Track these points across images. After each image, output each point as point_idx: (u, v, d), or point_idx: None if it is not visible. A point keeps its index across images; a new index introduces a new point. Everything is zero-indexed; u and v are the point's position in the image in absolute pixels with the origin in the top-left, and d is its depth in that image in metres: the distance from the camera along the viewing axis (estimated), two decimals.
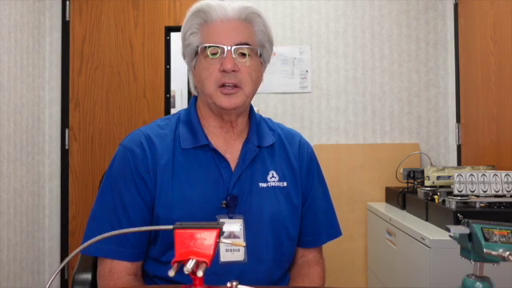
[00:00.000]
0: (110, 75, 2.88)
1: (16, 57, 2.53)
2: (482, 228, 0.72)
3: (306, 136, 1.22)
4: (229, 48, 1.00)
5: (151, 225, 1.01)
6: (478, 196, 1.68)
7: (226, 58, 0.99)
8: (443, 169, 2.02)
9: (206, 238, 0.64)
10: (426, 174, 2.03)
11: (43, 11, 2.84)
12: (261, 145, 1.09)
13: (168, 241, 0.99)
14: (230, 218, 1.01)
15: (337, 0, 2.80)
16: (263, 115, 1.19)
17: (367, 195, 2.68)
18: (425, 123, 2.77)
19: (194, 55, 1.05)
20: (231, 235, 1.00)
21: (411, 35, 2.77)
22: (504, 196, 1.67)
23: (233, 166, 1.05)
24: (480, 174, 1.69)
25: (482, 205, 1.65)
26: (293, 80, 2.79)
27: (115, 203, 1.01)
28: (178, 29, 2.81)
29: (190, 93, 2.85)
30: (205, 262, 0.62)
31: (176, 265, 0.62)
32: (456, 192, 1.69)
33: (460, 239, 0.76)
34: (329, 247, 1.20)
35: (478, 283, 0.72)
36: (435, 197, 1.83)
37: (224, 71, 0.99)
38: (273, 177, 1.08)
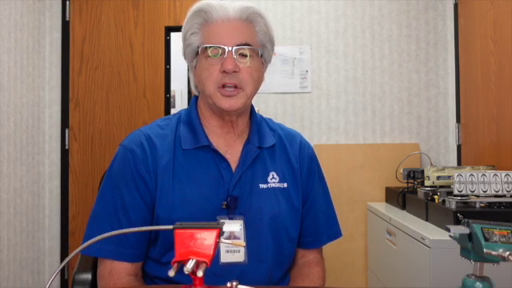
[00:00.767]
0: (110, 75, 2.88)
1: (16, 57, 2.53)
2: (482, 228, 0.72)
3: (306, 136, 1.22)
4: (230, 48, 0.99)
5: (151, 225, 1.01)
6: (478, 196, 1.68)
7: (227, 59, 0.99)
8: (443, 169, 2.02)
9: (206, 238, 0.64)
10: (426, 174, 2.03)
11: (43, 11, 2.84)
12: (261, 145, 1.09)
13: (168, 241, 0.99)
14: (231, 218, 1.01)
15: (337, 0, 2.80)
16: (263, 115, 1.19)
17: (367, 195, 2.68)
18: (425, 123, 2.77)
19: (195, 55, 1.05)
20: (231, 236, 1.00)
21: (411, 35, 2.77)
22: (504, 196, 1.67)
23: (233, 166, 1.05)
24: (480, 174, 1.69)
25: (482, 205, 1.64)
26: (293, 80, 2.79)
27: (115, 203, 1.01)
28: (177, 29, 2.83)
29: (190, 93, 2.85)
30: (205, 262, 0.62)
31: (176, 265, 0.62)
32: (456, 192, 1.69)
33: (460, 239, 0.76)
34: (329, 247, 1.20)
35: (477, 283, 0.72)
36: (435, 197, 1.83)
37: (225, 72, 0.99)
38: (273, 178, 1.08)
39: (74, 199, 2.88)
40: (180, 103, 3.01)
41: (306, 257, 1.15)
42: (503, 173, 1.69)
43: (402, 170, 2.35)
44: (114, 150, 1.08)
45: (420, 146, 2.74)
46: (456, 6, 2.63)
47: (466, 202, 1.66)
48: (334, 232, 1.18)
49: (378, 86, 2.78)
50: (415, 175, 2.25)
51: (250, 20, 1.04)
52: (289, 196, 1.09)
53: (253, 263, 1.01)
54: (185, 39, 1.06)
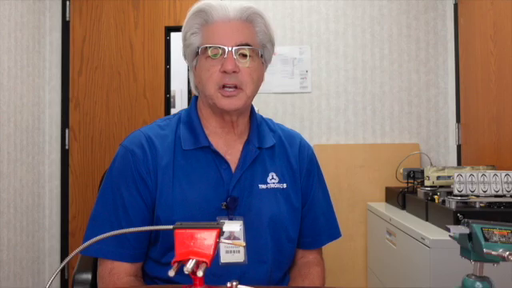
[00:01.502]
0: (110, 75, 2.88)
1: (16, 57, 2.53)
2: (481, 228, 0.72)
3: (306, 136, 1.22)
4: (229, 49, 0.99)
5: (151, 226, 1.01)
6: (477, 196, 1.68)
7: (227, 59, 0.99)
8: (443, 169, 2.02)
9: (206, 238, 0.64)
10: (425, 174, 2.02)
11: (43, 11, 2.84)
12: (261, 146, 1.09)
13: (168, 242, 0.99)
14: (230, 219, 1.01)
15: (337, 0, 2.80)
16: (263, 115, 1.19)
17: (367, 195, 2.68)
18: (425, 123, 2.77)
19: (195, 55, 1.05)
20: (231, 236, 1.00)
21: (411, 35, 2.77)
22: (504, 196, 1.67)
23: (233, 167, 1.05)
24: (480, 174, 1.69)
25: (481, 205, 1.64)
26: (293, 80, 2.79)
27: (115, 204, 1.01)
28: (177, 29, 2.82)
29: (190, 93, 2.85)
30: (205, 262, 0.62)
31: (176, 265, 0.63)
32: (456, 192, 1.69)
33: (460, 239, 0.76)
34: (329, 247, 1.20)
35: (477, 283, 0.72)
36: (435, 197, 1.83)
37: (225, 72, 0.99)
38: (272, 178, 1.08)
39: (73, 199, 2.88)
40: (180, 103, 3.01)
41: (306, 257, 1.16)
42: (503, 173, 1.69)
43: (401, 170, 2.35)
44: (114, 150, 1.08)
45: (420, 146, 2.74)
46: (456, 6, 2.63)
47: (465, 202, 1.66)
48: (333, 232, 1.18)
49: (377, 85, 2.78)
50: (415, 175, 2.25)
51: (250, 20, 1.04)
52: (288, 196, 1.09)
53: (253, 263, 1.02)
54: (185, 39, 1.06)
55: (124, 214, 1.01)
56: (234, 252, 1.00)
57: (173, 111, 2.88)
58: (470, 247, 0.73)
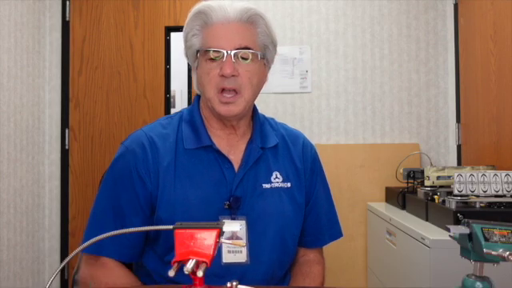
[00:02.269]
0: (110, 75, 2.88)
1: (16, 57, 2.53)
2: (481, 228, 0.72)
3: (306, 136, 1.22)
4: (228, 52, 0.98)
5: (148, 225, 1.01)
6: (478, 196, 1.68)
7: (225, 63, 0.98)
8: (443, 169, 2.02)
9: (206, 237, 0.64)
10: (425, 174, 2.02)
11: (43, 11, 2.84)
12: (264, 146, 1.08)
13: (170, 242, 0.99)
14: (233, 219, 1.01)
15: (337, 0, 2.80)
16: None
17: (367, 195, 2.68)
18: (425, 123, 2.76)
19: (196, 57, 1.04)
20: (233, 236, 1.00)
21: (411, 35, 2.77)
22: (504, 196, 1.67)
23: (236, 166, 1.05)
24: (480, 174, 1.69)
25: (482, 205, 1.64)
26: (293, 80, 2.79)
27: (113, 203, 1.02)
28: (177, 29, 2.84)
29: (189, 93, 2.85)
30: (205, 262, 0.62)
31: (176, 265, 0.62)
32: (456, 192, 1.69)
33: (460, 239, 0.76)
34: (329, 247, 1.20)
35: (477, 283, 0.72)
36: (435, 197, 1.83)
37: (223, 76, 0.99)
38: (276, 178, 1.08)
39: (73, 199, 2.88)
40: (180, 103, 3.01)
41: (307, 255, 1.16)
42: (503, 173, 1.69)
43: (401, 170, 2.35)
44: (114, 150, 1.08)
45: (420, 146, 2.74)
46: (456, 6, 2.63)
47: (466, 202, 1.66)
48: (335, 232, 1.19)
49: (377, 85, 2.78)
50: (415, 175, 2.25)
51: (251, 22, 1.03)
52: (292, 196, 1.08)
53: (255, 263, 1.01)
54: (186, 40, 1.06)
55: (121, 213, 1.01)
56: (235, 252, 1.00)
57: (173, 111, 2.87)
58: (470, 247, 0.73)
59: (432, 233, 1.62)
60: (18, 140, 2.54)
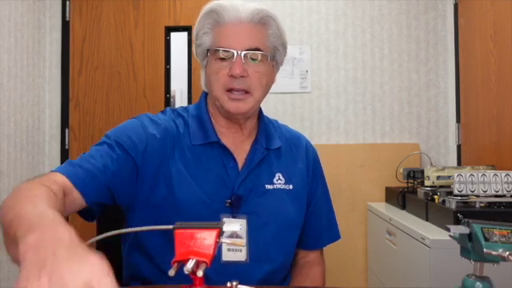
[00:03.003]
0: (110, 75, 2.88)
1: (16, 57, 2.53)
2: (481, 228, 0.72)
3: (306, 136, 1.23)
4: (238, 53, 0.98)
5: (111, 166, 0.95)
6: (478, 196, 1.68)
7: (235, 63, 0.98)
8: (443, 169, 2.02)
9: (206, 237, 0.64)
10: (426, 173, 2.02)
11: (43, 11, 2.84)
12: (269, 147, 1.09)
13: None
14: (234, 217, 1.01)
15: (337, 0, 2.80)
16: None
17: (367, 195, 2.67)
18: (425, 123, 2.76)
19: (206, 55, 1.04)
20: (233, 235, 1.00)
21: (411, 35, 2.77)
22: (504, 196, 1.67)
23: (240, 165, 1.05)
24: (480, 174, 1.69)
25: (482, 205, 1.64)
26: (293, 80, 2.79)
27: (102, 145, 0.98)
28: (178, 29, 2.84)
29: (190, 93, 2.86)
30: (205, 262, 0.62)
31: (176, 265, 0.62)
32: (456, 192, 1.69)
33: (460, 239, 0.76)
34: (329, 247, 1.21)
35: (477, 283, 0.72)
36: (435, 197, 1.83)
37: (232, 76, 0.99)
38: (279, 179, 1.08)
39: None
40: (180, 103, 3.01)
41: (307, 257, 1.16)
42: (503, 173, 1.69)
43: (401, 170, 2.35)
44: None
45: (420, 146, 2.74)
46: (456, 6, 2.63)
47: (466, 202, 1.66)
48: (333, 234, 1.20)
49: (378, 85, 2.78)
50: (415, 175, 2.25)
51: (263, 23, 1.02)
52: (294, 197, 1.09)
53: (256, 263, 1.01)
54: (196, 38, 1.06)
55: (90, 156, 0.94)
56: (235, 250, 1.00)
57: None
58: (470, 247, 0.73)
59: (432, 233, 1.62)
60: (18, 140, 2.54)
